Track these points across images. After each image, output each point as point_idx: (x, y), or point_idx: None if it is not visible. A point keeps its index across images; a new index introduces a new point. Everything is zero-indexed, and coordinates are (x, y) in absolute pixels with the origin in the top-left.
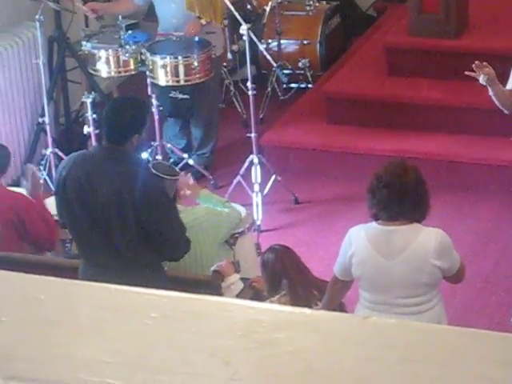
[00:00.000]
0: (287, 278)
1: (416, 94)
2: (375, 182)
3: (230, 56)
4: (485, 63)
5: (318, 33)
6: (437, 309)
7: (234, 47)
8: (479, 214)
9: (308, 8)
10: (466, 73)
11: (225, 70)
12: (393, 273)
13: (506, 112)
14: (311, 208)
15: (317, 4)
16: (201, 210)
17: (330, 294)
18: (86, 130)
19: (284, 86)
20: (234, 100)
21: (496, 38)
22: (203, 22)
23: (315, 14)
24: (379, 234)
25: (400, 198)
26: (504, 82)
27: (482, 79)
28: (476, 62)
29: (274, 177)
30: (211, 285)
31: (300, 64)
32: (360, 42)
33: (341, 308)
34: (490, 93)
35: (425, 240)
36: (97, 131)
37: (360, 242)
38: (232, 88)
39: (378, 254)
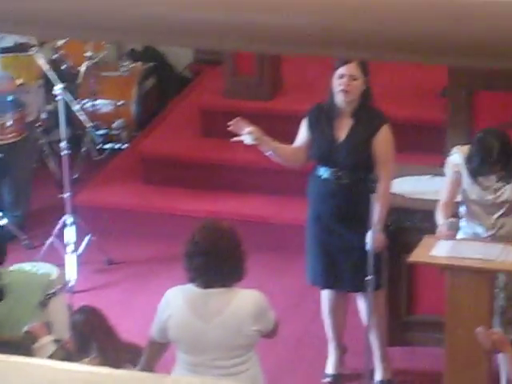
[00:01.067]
0: (96, 339)
1: (231, 156)
2: (191, 247)
3: (44, 116)
4: (241, 124)
5: (133, 93)
6: (253, 370)
7: (49, 107)
8: (294, 274)
9: (123, 69)
10: (233, 140)
11: (39, 129)
12: (209, 335)
13: (293, 167)
14: (126, 268)
15: (132, 65)
16: (12, 272)
17: (147, 355)
18: None
19: (99, 146)
20: (48, 160)
21: (309, 100)
22: (18, 81)
23: (130, 74)
24: (196, 296)
25: (216, 264)
26: None
27: (247, 139)
28: (230, 123)
29: (88, 237)
30: (22, 346)
31: (115, 124)
32: (175, 103)
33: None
34: (266, 152)
35: (241, 303)
36: None
37: (177, 304)
38: (46, 148)
39: (195, 317)
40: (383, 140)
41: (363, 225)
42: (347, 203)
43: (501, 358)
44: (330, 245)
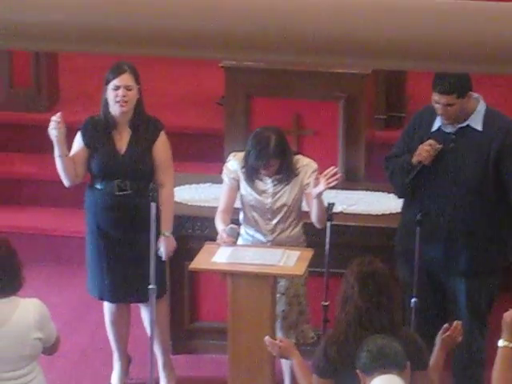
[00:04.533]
0: None
1: (8, 169)
2: None
3: None
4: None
5: None
6: (39, 379)
7: None
8: (74, 287)
9: None
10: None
11: None
12: None
13: (65, 184)
14: None
15: None
16: None
17: None
18: None
19: None
20: None
21: (87, 112)
22: None
23: None
24: None
25: None
26: None
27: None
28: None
29: None
30: None
31: None
32: None
33: None
34: (57, 155)
35: (23, 312)
36: None
37: None
38: None
39: None
40: (162, 146)
41: (148, 234)
42: (131, 214)
43: (284, 363)
44: (116, 258)
